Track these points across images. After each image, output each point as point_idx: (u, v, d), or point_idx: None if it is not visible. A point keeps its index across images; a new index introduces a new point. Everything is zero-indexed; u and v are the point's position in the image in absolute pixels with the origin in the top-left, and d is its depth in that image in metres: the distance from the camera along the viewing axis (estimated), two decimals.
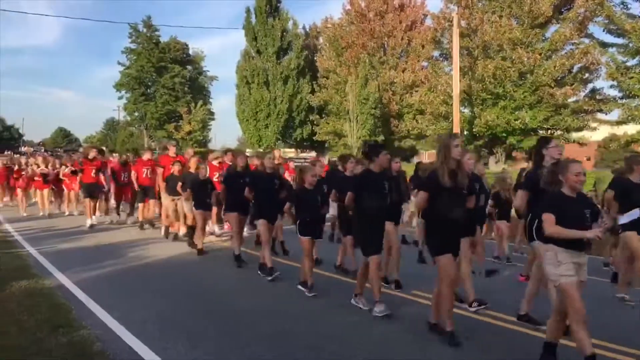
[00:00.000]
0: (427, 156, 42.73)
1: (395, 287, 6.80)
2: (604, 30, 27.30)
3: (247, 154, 10.96)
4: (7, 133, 71.44)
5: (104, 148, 19.10)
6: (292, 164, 14.98)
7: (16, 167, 16.38)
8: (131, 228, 12.58)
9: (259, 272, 7.60)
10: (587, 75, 29.75)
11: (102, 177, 12.87)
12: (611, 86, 28.06)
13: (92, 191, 12.52)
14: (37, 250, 9.31)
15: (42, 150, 49.30)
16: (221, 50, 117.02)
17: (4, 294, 6.21)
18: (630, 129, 28.14)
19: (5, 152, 32.76)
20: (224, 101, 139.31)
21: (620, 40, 26.85)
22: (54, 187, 15.49)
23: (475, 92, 29.77)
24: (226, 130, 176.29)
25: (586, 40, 29.12)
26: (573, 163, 4.19)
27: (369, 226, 5.69)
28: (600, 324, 4.94)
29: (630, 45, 26.01)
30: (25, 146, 60.95)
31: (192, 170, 10.09)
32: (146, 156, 12.74)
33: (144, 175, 12.13)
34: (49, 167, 15.50)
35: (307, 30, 43.16)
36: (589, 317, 3.97)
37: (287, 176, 11.32)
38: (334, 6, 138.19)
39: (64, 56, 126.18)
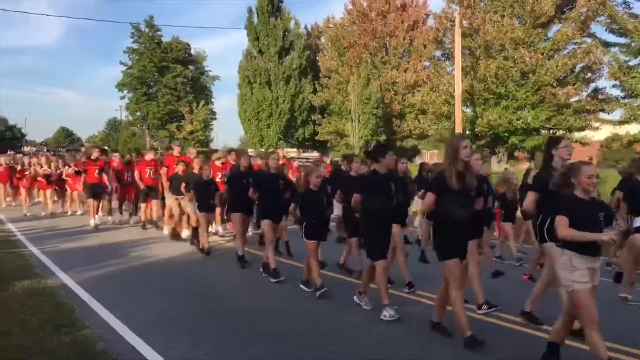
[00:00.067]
0: (429, 156, 42.73)
1: (408, 288, 6.74)
2: (606, 30, 27.29)
3: (250, 154, 10.96)
4: (9, 133, 71.49)
5: (106, 148, 19.13)
6: (295, 163, 14.97)
7: (19, 167, 16.41)
8: (133, 228, 12.60)
9: (261, 269, 7.61)
10: (589, 74, 29.72)
11: (105, 177, 12.90)
12: (613, 86, 28.08)
13: (96, 191, 12.54)
14: (39, 250, 9.33)
15: (45, 150, 49.36)
16: (223, 50, 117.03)
17: (6, 294, 6.22)
18: (633, 128, 28.10)
19: (8, 152, 32.84)
20: (225, 101, 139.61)
21: (622, 40, 26.83)
22: (57, 187, 15.52)
23: (478, 92, 29.74)
24: (228, 130, 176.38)
25: (588, 40, 29.10)
26: (586, 165, 4.13)
27: (377, 228, 5.64)
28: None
29: (633, 44, 25.97)
30: (27, 146, 61.03)
31: (195, 170, 10.09)
32: (149, 156, 12.75)
33: (147, 176, 12.14)
34: (52, 167, 15.53)
35: (309, 30, 43.20)
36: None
37: (291, 176, 11.32)
38: (335, 6, 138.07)
39: (66, 56, 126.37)
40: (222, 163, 11.34)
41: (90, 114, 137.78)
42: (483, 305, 5.76)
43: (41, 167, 15.54)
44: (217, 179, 10.42)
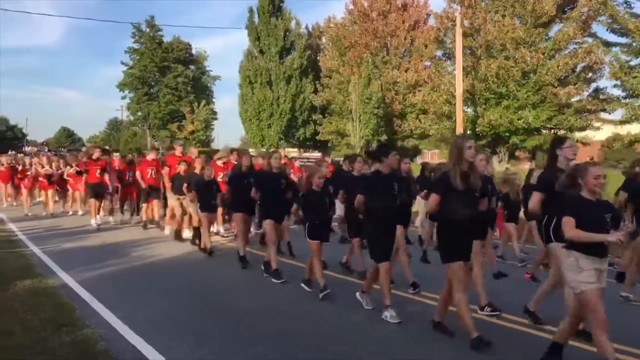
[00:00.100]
0: (430, 156, 42.73)
1: (413, 288, 6.70)
2: (607, 30, 27.31)
3: (252, 154, 10.94)
4: (10, 133, 71.55)
5: (107, 147, 19.13)
6: (297, 163, 14.96)
7: (20, 167, 16.42)
8: (135, 228, 12.60)
9: (262, 268, 7.60)
10: (590, 74, 29.73)
11: (106, 177, 12.90)
12: (615, 85, 28.10)
13: (97, 191, 12.54)
14: (41, 250, 9.32)
15: (46, 150, 49.39)
16: (224, 50, 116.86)
17: (7, 293, 6.22)
18: (634, 128, 28.09)
19: (9, 152, 32.88)
20: (226, 101, 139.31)
21: (623, 40, 26.84)
22: (58, 187, 15.52)
23: (478, 92, 29.76)
24: (229, 130, 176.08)
25: (589, 40, 29.12)
26: (592, 166, 4.11)
27: (380, 229, 5.57)
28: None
29: (634, 44, 25.97)
30: (28, 146, 61.04)
31: (197, 170, 10.06)
32: (151, 156, 12.76)
33: (148, 176, 12.14)
34: (53, 167, 15.54)
35: (310, 30, 43.25)
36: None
37: (293, 176, 11.30)
38: (336, 6, 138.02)
39: (67, 56, 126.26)
40: (224, 163, 11.33)
41: (92, 113, 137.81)
42: (486, 307, 5.73)
43: (42, 167, 15.55)
44: (219, 179, 10.41)
